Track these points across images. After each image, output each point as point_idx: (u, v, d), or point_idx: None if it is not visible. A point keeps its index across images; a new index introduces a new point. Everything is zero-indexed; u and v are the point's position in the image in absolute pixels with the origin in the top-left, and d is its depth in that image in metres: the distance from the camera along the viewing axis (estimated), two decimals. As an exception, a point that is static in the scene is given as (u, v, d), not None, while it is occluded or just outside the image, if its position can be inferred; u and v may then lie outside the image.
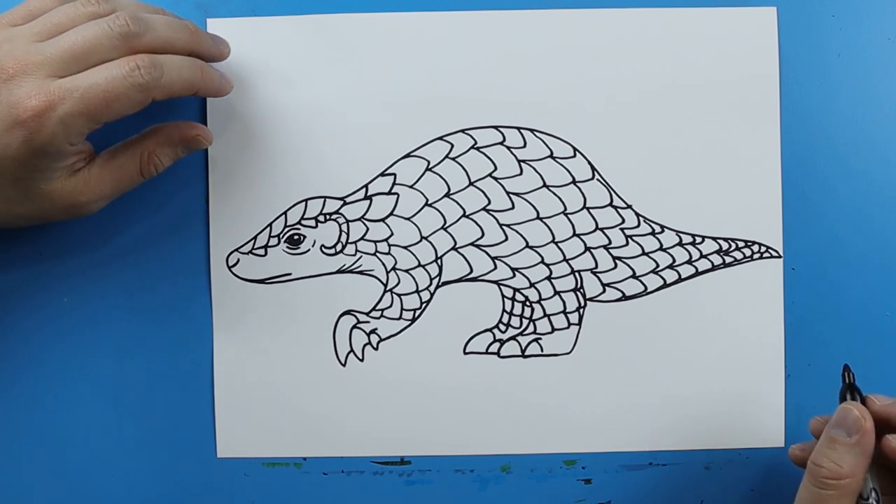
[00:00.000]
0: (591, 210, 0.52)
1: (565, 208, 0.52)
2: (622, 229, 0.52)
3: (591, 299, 0.52)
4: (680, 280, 0.52)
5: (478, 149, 0.52)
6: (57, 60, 0.43)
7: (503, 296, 0.52)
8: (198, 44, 0.48)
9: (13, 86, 0.42)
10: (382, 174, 0.52)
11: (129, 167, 0.48)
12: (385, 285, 0.52)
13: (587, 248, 0.52)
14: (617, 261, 0.52)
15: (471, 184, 0.52)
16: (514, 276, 0.52)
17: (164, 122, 0.49)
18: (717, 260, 0.52)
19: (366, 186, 0.52)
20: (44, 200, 0.45)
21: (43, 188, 0.45)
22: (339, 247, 0.52)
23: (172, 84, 0.45)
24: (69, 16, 0.45)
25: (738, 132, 0.52)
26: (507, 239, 0.52)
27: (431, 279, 0.52)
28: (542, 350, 0.52)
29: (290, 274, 0.52)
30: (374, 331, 0.52)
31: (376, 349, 0.52)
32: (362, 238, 0.52)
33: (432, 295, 0.52)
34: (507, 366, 0.52)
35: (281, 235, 0.52)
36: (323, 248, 0.52)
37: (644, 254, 0.52)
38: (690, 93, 0.52)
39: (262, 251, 0.52)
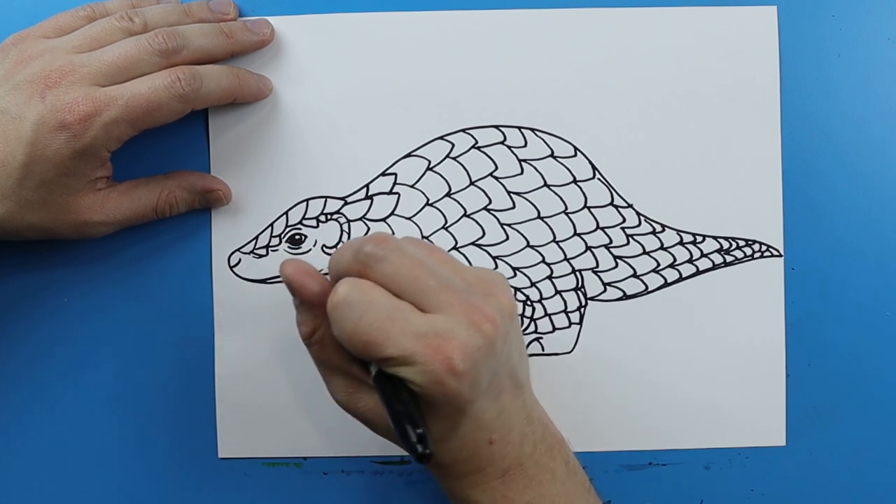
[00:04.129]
0: (591, 209, 0.52)
1: (566, 207, 0.52)
2: (623, 228, 0.52)
3: (592, 298, 0.52)
4: (681, 279, 0.52)
5: (478, 148, 0.52)
6: (101, 71, 0.45)
7: (504, 295, 0.52)
8: (234, 44, 0.50)
9: (60, 92, 0.44)
10: (383, 174, 0.52)
11: (146, 201, 0.49)
12: (386, 285, 0.52)
13: (588, 248, 0.52)
14: (618, 260, 0.52)
15: (472, 183, 0.52)
16: (515, 275, 0.52)
17: (191, 170, 0.51)
18: (717, 259, 0.52)
19: (367, 186, 0.52)
20: (59, 211, 0.46)
21: (63, 198, 0.46)
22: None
23: (211, 94, 0.47)
24: (106, 30, 0.47)
25: (738, 131, 0.52)
26: (507, 238, 0.52)
27: (432, 279, 0.52)
28: (543, 349, 0.52)
29: (291, 273, 0.52)
30: (375, 330, 0.52)
31: (377, 349, 0.52)
32: (363, 238, 0.52)
33: (433, 294, 0.52)
34: (508, 365, 0.52)
35: (282, 235, 0.52)
36: (324, 248, 0.52)
37: (645, 253, 0.52)
38: (691, 92, 0.52)
39: (263, 251, 0.52)
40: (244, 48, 0.50)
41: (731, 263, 0.52)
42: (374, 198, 0.52)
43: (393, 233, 0.52)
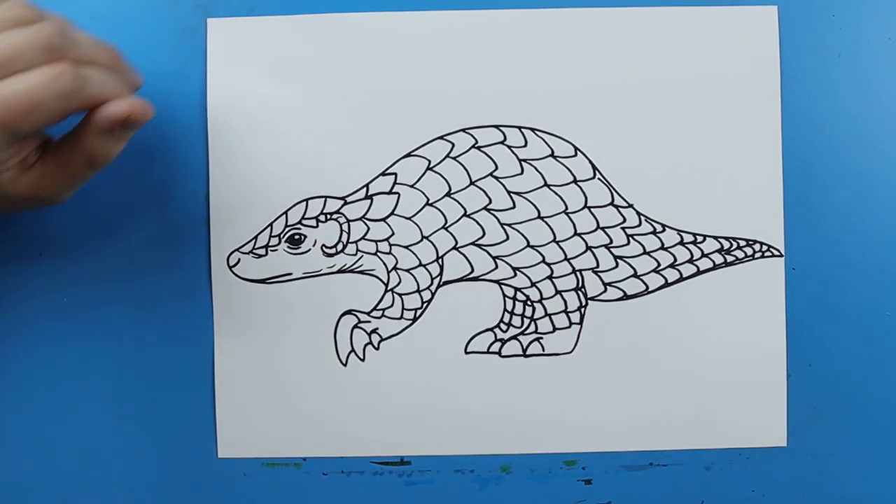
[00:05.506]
0: (592, 209, 0.52)
1: (566, 207, 0.52)
2: (623, 228, 0.52)
3: (592, 298, 0.52)
4: (681, 279, 0.52)
5: (479, 148, 0.52)
6: None
7: (504, 295, 0.52)
8: (117, 67, 0.45)
9: None
10: (383, 174, 0.52)
11: (75, 161, 0.44)
12: (386, 285, 0.52)
13: (588, 248, 0.52)
14: (618, 260, 0.52)
15: (472, 183, 0.52)
16: (516, 275, 0.52)
17: (97, 108, 0.44)
18: (718, 259, 0.52)
19: (366, 186, 0.52)
20: (1, 197, 0.44)
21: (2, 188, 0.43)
22: (339, 246, 0.52)
23: (94, 97, 0.42)
24: None
25: (738, 131, 0.52)
26: (508, 238, 0.52)
27: (432, 279, 0.52)
28: (543, 349, 0.52)
29: (290, 274, 0.52)
30: (375, 330, 0.52)
31: (377, 349, 0.52)
32: (363, 238, 0.52)
33: (433, 294, 0.52)
34: (508, 365, 0.52)
35: (282, 235, 0.52)
36: (324, 248, 0.52)
37: (645, 253, 0.52)
38: (691, 92, 0.52)
39: (262, 251, 0.52)
40: (123, 73, 0.45)
41: (731, 263, 0.52)
42: (374, 197, 0.52)
43: (393, 233, 0.52)
